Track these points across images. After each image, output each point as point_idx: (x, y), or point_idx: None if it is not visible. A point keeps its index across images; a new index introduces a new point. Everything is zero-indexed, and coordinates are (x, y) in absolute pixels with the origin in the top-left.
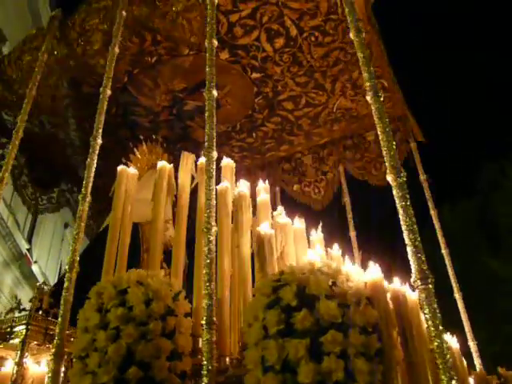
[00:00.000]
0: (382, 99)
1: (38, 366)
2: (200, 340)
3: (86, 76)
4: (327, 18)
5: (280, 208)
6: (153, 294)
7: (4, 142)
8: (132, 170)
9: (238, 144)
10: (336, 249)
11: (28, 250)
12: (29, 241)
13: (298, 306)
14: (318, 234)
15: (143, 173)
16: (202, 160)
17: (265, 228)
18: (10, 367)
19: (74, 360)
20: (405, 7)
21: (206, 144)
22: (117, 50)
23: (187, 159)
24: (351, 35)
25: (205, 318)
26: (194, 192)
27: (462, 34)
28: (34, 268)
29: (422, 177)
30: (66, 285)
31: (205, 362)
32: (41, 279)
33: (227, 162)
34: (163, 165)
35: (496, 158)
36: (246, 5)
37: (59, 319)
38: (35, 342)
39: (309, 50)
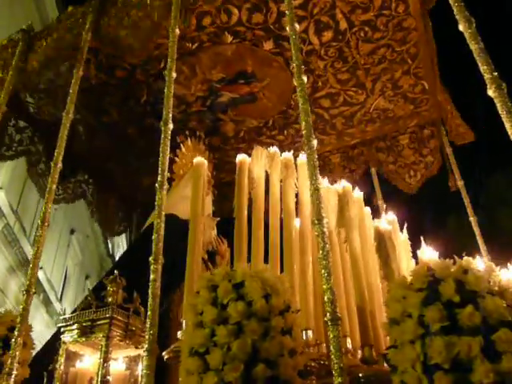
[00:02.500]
0: (505, 91)
1: (116, 362)
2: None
3: (120, 59)
4: (379, 13)
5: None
6: (270, 289)
7: (23, 126)
8: (206, 163)
9: (267, 141)
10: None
11: None
12: None
13: (461, 302)
14: (404, 235)
15: (186, 169)
16: (286, 155)
17: (383, 224)
18: (88, 363)
19: (185, 356)
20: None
21: (305, 132)
22: (177, 31)
23: (261, 153)
24: (460, 27)
25: (328, 313)
26: None
27: None
28: (40, 274)
29: (460, 183)
30: (152, 277)
31: (335, 361)
32: (46, 285)
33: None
34: (243, 158)
35: (504, 169)
36: None
37: (149, 313)
38: (117, 338)
39: (356, 45)
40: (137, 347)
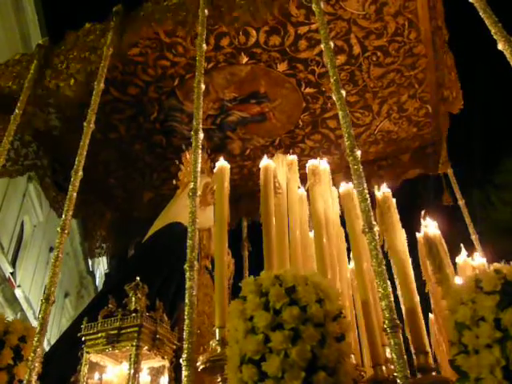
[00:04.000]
0: None
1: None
2: None
3: (135, 76)
4: (392, 39)
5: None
6: (323, 294)
7: (28, 141)
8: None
9: None
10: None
11: (11, 273)
12: (13, 264)
13: None
14: None
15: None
16: (312, 162)
17: (432, 230)
18: (111, 374)
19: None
20: None
21: (348, 143)
22: (205, 46)
23: (282, 160)
24: (499, 46)
25: (387, 321)
26: None
27: None
28: (17, 292)
29: (461, 201)
30: (188, 284)
31: (399, 369)
32: (24, 304)
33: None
34: (268, 164)
35: (480, 185)
36: None
37: (186, 321)
38: (146, 347)
39: (368, 69)
40: (163, 357)
